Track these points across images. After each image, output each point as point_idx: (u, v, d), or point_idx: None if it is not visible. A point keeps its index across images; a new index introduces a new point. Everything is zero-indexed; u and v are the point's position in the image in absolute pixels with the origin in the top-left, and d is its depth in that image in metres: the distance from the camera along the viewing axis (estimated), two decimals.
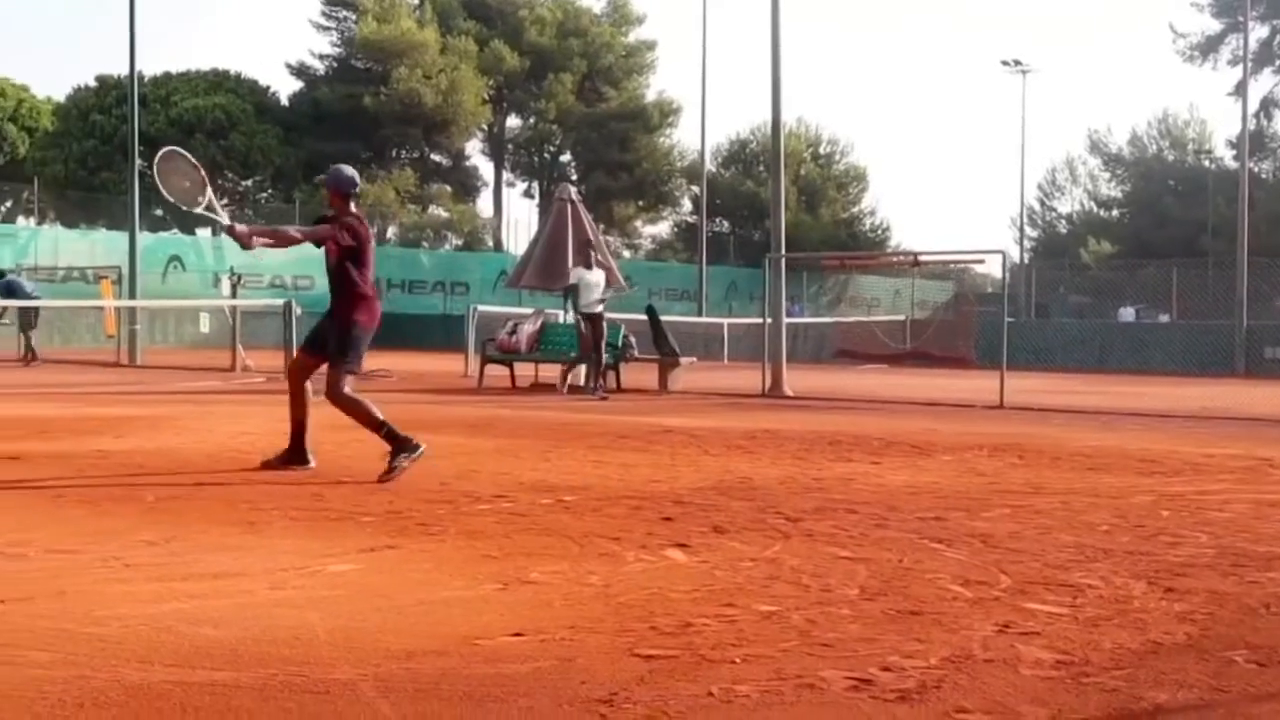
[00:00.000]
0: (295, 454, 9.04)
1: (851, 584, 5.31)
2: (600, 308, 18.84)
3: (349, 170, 9.24)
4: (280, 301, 25.37)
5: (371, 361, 26.30)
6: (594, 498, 7.78)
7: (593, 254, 19.37)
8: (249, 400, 16.58)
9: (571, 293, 18.94)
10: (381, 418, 8.66)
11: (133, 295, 29.05)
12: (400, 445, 8.57)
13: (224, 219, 9.23)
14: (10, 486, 7.97)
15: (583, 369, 20.44)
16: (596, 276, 18.86)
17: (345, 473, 8.86)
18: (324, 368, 8.90)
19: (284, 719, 3.46)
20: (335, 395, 8.74)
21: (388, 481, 8.30)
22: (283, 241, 9.50)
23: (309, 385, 9.05)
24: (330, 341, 8.91)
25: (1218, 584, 5.42)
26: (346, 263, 8.93)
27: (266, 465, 9.01)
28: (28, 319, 27.45)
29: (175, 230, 50.97)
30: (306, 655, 4.07)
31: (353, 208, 9.12)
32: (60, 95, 58.90)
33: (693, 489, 8.27)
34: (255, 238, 8.94)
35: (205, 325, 36.02)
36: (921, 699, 3.72)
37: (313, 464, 8.97)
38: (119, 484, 8.13)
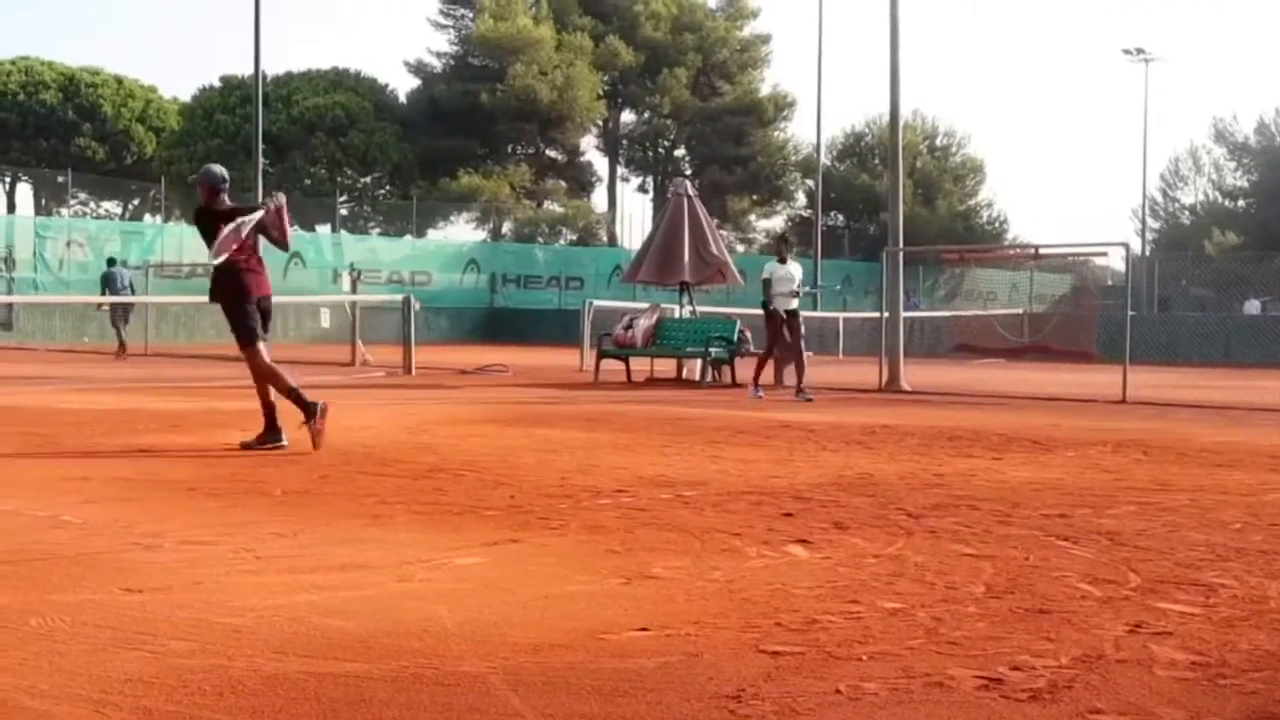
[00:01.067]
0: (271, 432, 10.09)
1: (977, 581, 5.25)
2: (795, 303, 17.77)
3: (215, 169, 10.52)
4: (399, 296, 25.68)
5: (487, 356, 26.60)
6: (713, 493, 7.79)
7: (787, 247, 18.72)
8: (369, 395, 16.81)
9: (764, 287, 17.54)
10: (293, 384, 10.09)
11: None
12: (310, 409, 9.86)
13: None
14: (145, 480, 8.16)
15: (697, 364, 20.47)
16: (791, 270, 17.70)
17: (467, 466, 8.94)
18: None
19: (417, 711, 3.51)
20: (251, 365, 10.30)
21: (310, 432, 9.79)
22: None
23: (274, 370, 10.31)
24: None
25: None
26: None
27: (245, 445, 9.99)
28: (119, 311, 28.01)
29: (296, 227, 51.88)
30: (436, 648, 4.12)
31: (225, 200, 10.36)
32: (186, 95, 60.32)
33: (812, 484, 8.24)
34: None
35: (325, 320, 36.64)
36: (1054, 699, 3.67)
37: (285, 442, 9.99)
38: (247, 477, 8.29)
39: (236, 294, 10.08)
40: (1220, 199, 71.89)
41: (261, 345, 10.12)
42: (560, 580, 5.23)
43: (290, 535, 6.16)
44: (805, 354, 18.14)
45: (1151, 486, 8.43)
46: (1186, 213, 73.16)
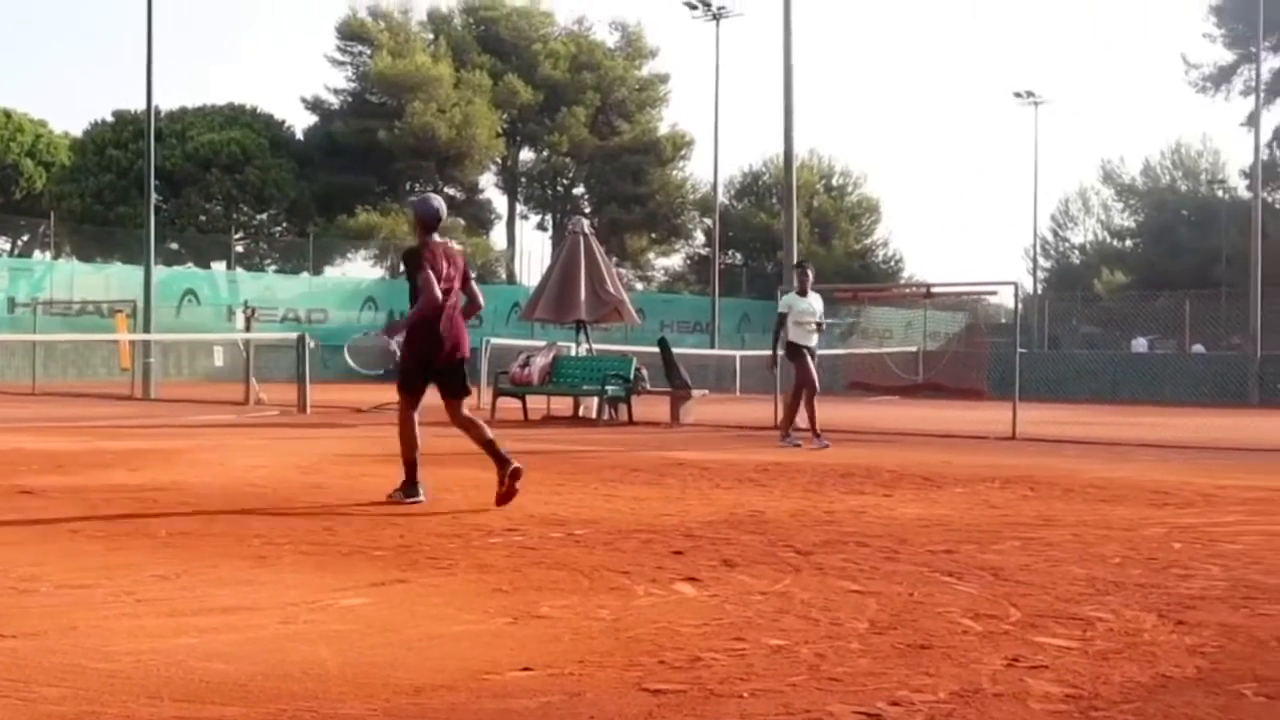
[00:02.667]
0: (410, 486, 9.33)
1: (861, 618, 5.31)
2: (815, 340, 16.09)
3: (434, 201, 9.48)
4: (294, 335, 25.44)
5: (384, 395, 26.37)
6: (605, 531, 7.79)
7: (807, 278, 16.19)
8: (262, 434, 16.62)
9: (779, 322, 15.89)
10: (490, 436, 9.18)
11: (147, 329, 29.17)
12: (507, 463, 8.95)
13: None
14: (25, 521, 8.00)
15: (594, 402, 20.47)
16: (813, 303, 15.97)
17: (358, 506, 8.87)
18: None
19: None
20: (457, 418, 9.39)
21: (391, 501, 9.04)
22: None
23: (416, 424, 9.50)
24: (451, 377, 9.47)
25: (1229, 617, 5.41)
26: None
27: (391, 499, 9.29)
28: None
29: (190, 264, 51.28)
30: (317, 690, 4.08)
31: (435, 238, 9.35)
32: (77, 130, 59.34)
33: (703, 522, 8.28)
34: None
35: (219, 359, 36.20)
36: None
37: (422, 497, 9.22)
38: (132, 518, 8.16)
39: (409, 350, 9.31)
40: (1109, 239, 73.49)
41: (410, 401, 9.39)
42: (446, 620, 5.21)
43: (173, 577, 6.07)
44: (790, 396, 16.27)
45: (1036, 522, 8.57)
46: (1076, 252, 74.67)
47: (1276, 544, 7.63)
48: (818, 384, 15.80)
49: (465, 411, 9.27)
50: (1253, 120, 43.40)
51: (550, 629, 5.05)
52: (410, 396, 9.29)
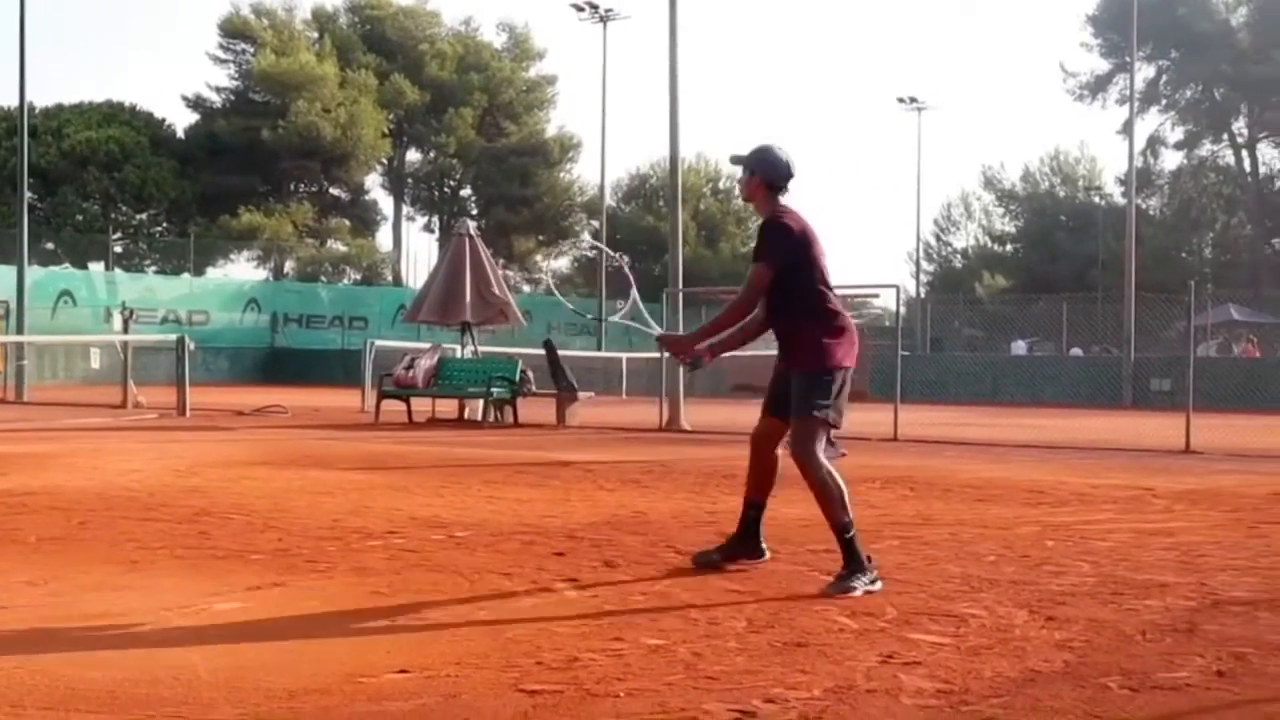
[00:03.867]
0: (744, 541, 6.75)
1: (739, 617, 5.34)
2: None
3: (781, 153, 6.67)
4: (174, 337, 25.00)
5: (266, 397, 26.06)
6: (487, 533, 7.76)
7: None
8: (140, 437, 16.31)
9: None
10: (848, 520, 6.22)
11: (20, 330, 28.51)
12: (854, 562, 6.14)
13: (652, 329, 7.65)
14: None
15: (479, 404, 20.36)
16: None
17: (236, 509, 8.74)
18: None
19: None
20: (800, 454, 6.31)
21: (834, 595, 5.94)
22: (734, 324, 6.70)
23: (779, 452, 6.69)
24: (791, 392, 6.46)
25: (1097, 612, 5.53)
26: (785, 283, 6.43)
27: (705, 562, 6.62)
28: None
29: (67, 265, 50.19)
30: (186, 696, 4.01)
31: (781, 201, 6.60)
32: None
33: (586, 524, 8.27)
34: (708, 348, 6.74)
35: (96, 361, 35.47)
36: None
37: (767, 555, 6.76)
38: (1, 524, 7.96)
39: (838, 351, 6.47)
40: (990, 243, 74.66)
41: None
42: (322, 624, 5.16)
43: (42, 584, 5.93)
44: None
45: (915, 521, 8.69)
46: (958, 256, 75.78)
47: (1144, 540, 7.80)
48: None
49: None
50: (1128, 128, 44.38)
51: (428, 631, 5.02)
52: (826, 425, 6.46)
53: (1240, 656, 4.69)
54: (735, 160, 6.73)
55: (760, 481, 6.75)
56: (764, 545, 6.76)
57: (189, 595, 5.67)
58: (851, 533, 6.16)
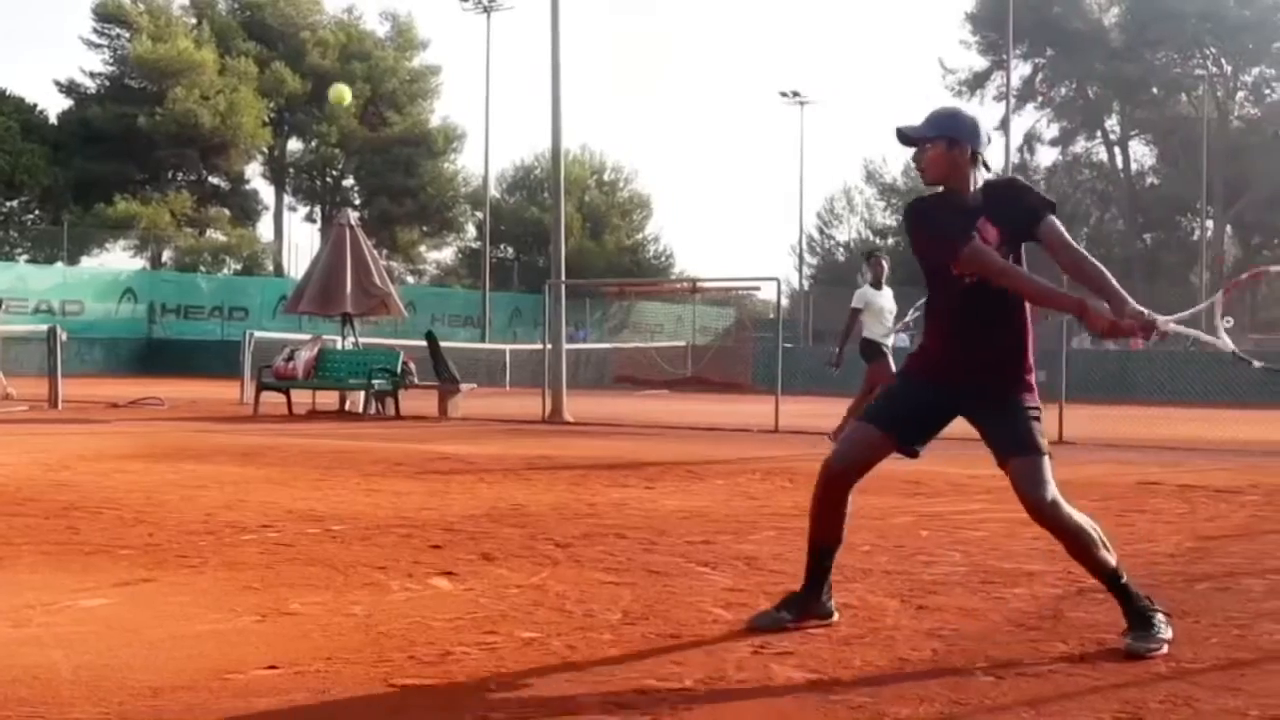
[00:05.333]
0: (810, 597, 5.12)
1: (615, 609, 5.35)
2: (891, 340, 14.17)
3: (973, 115, 5.16)
4: (45, 327, 24.44)
5: (143, 389, 25.60)
6: (363, 526, 7.69)
7: (883, 268, 14.32)
8: (8, 430, 15.92)
9: (851, 319, 14.16)
10: (1114, 563, 4.83)
11: None
12: (1146, 616, 4.78)
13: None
14: None
15: (360, 396, 20.18)
16: (886, 300, 14.16)
17: (107, 503, 8.56)
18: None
19: None
20: (1042, 506, 4.73)
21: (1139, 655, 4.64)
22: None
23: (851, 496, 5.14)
24: (997, 420, 4.99)
25: (966, 601, 5.62)
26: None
27: (759, 626, 5.00)
28: None
29: None
30: (45, 695, 3.92)
31: (981, 175, 5.00)
32: None
33: (464, 516, 8.23)
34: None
35: None
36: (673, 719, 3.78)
37: (835, 616, 5.17)
38: None
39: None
40: (872, 237, 75.60)
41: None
42: (192, 619, 5.07)
43: None
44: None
45: (793, 512, 8.74)
46: (841, 249, 76.66)
47: (1015, 530, 7.94)
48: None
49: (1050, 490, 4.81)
50: (1004, 125, 45.23)
51: (299, 626, 4.96)
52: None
53: (1102, 643, 4.80)
54: (911, 134, 5.06)
55: (841, 522, 5.11)
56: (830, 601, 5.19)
57: (52, 591, 5.54)
58: (1121, 580, 4.84)
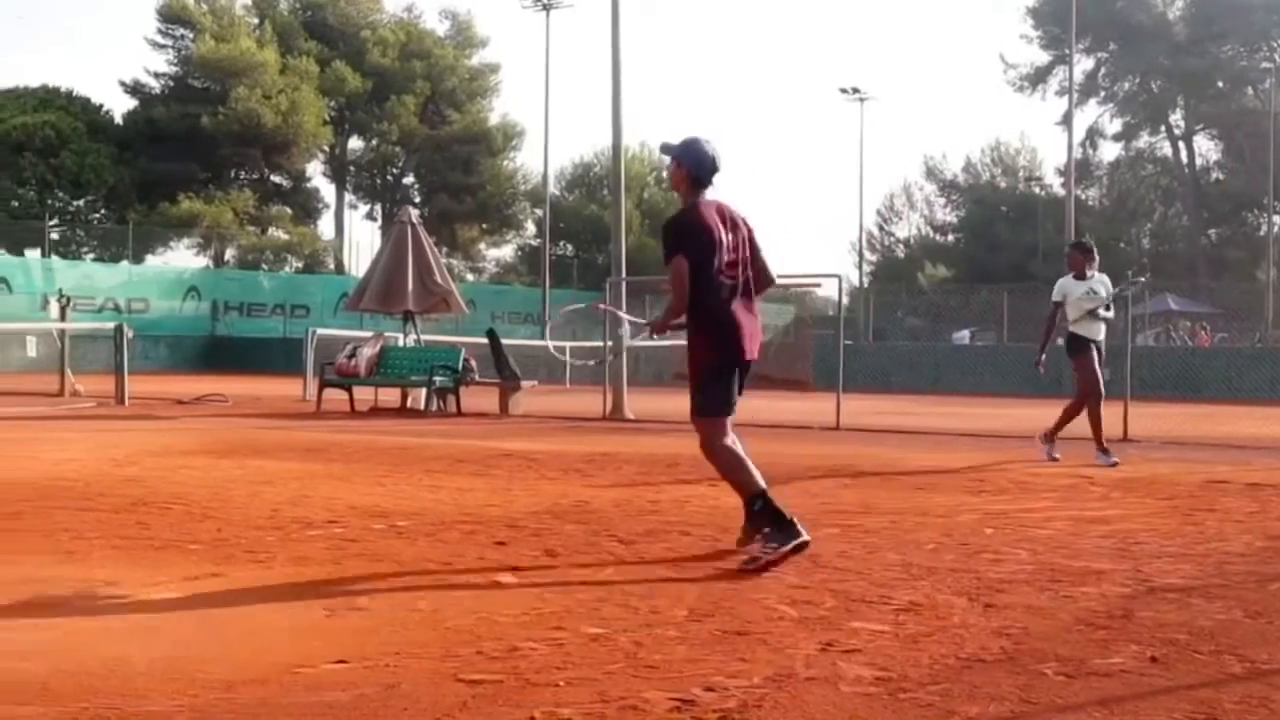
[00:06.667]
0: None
1: (680, 606, 5.35)
2: (1102, 332, 13.11)
3: (708, 147, 6.82)
4: (111, 324, 24.73)
5: (207, 386, 25.84)
6: (427, 523, 7.73)
7: (1090, 257, 13.15)
8: (77, 426, 16.12)
9: (1053, 312, 13.24)
10: (759, 485, 6.51)
11: None
12: (774, 525, 6.36)
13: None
14: None
15: (421, 393, 20.29)
16: (1094, 286, 13.01)
17: (175, 499, 8.66)
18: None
19: None
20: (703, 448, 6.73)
21: (750, 570, 6.16)
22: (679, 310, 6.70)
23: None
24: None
25: (1034, 599, 5.58)
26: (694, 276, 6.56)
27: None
28: None
29: (2, 251, 49.46)
30: (122, 687, 3.97)
31: (705, 195, 6.75)
32: None
33: (528, 513, 8.26)
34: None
35: (32, 349, 35.00)
36: (742, 718, 3.77)
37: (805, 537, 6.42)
38: None
39: (717, 349, 6.72)
40: (932, 234, 75.26)
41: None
42: (260, 614, 5.12)
43: None
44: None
45: (856, 510, 8.73)
46: (901, 246, 76.31)
47: (1082, 528, 7.88)
48: (1103, 387, 13.09)
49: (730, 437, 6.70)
50: (1067, 120, 44.84)
51: (367, 621, 4.99)
52: (725, 416, 6.70)
53: (1174, 642, 4.75)
54: (665, 149, 6.94)
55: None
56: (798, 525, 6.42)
57: (125, 586, 5.61)
58: (762, 498, 6.48)
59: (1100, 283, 13.10)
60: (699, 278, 6.51)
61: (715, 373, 6.64)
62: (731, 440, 6.65)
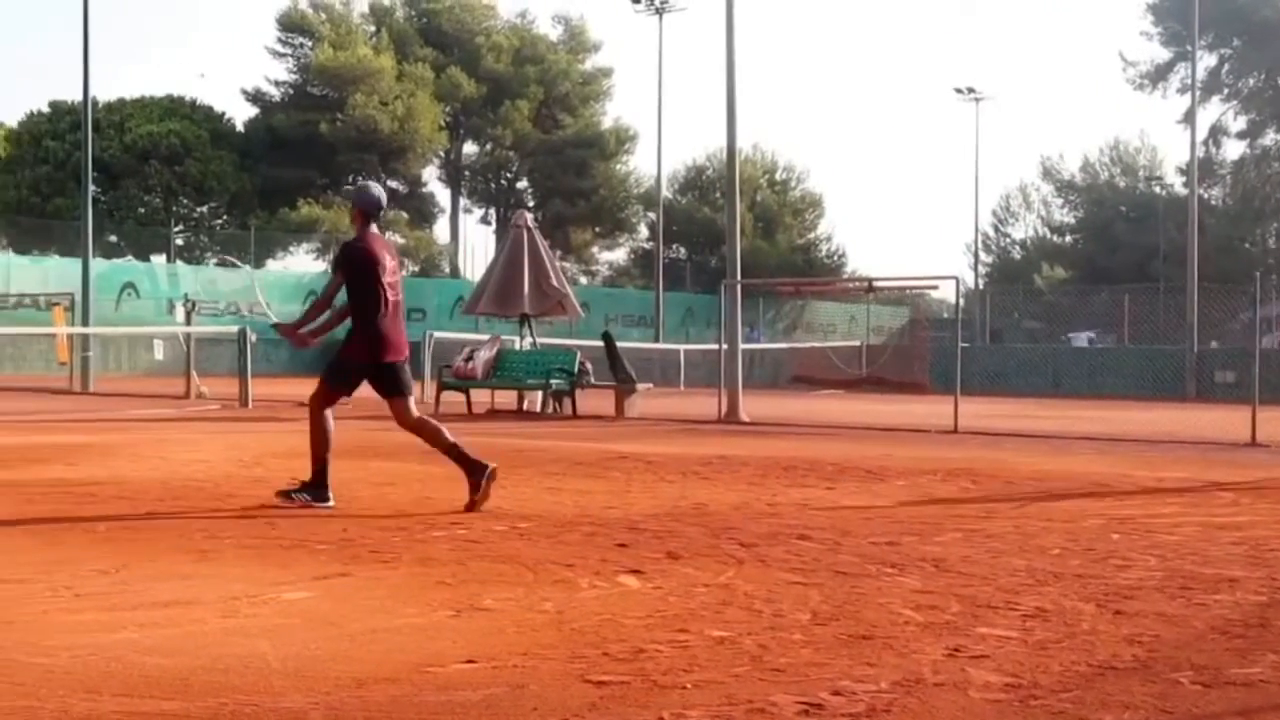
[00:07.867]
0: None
1: (804, 609, 5.33)
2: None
3: (374, 190, 9.11)
4: (235, 328, 25.24)
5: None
6: (549, 524, 7.78)
7: None
8: (204, 428, 16.47)
9: None
10: (325, 456, 8.68)
11: (85, 322, 28.85)
12: (315, 487, 8.54)
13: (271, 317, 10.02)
14: None
15: (538, 395, 20.43)
16: None
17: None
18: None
19: None
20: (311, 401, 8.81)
21: (285, 502, 8.46)
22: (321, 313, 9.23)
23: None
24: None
25: (1165, 606, 5.48)
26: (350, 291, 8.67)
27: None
28: None
29: (130, 257, 50.69)
30: (257, 684, 4.05)
31: (372, 229, 8.81)
32: (13, 121, 58.48)
33: (647, 515, 8.28)
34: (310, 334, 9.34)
35: (159, 352, 35.81)
36: None
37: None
38: (70, 513, 8.07)
39: (356, 355, 8.75)
40: (1049, 234, 74.07)
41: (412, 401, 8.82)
42: (389, 613, 5.19)
43: (112, 572, 6.01)
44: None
45: (978, 514, 8.64)
46: (1017, 247, 75.21)
47: (1211, 534, 7.72)
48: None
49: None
50: (1189, 118, 43.97)
51: (494, 622, 5.04)
52: (336, 394, 8.72)
53: None
54: (346, 194, 8.53)
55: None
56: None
57: (256, 584, 5.72)
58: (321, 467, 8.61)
59: None
60: (363, 293, 8.51)
61: (351, 366, 8.62)
62: (330, 415, 8.62)
